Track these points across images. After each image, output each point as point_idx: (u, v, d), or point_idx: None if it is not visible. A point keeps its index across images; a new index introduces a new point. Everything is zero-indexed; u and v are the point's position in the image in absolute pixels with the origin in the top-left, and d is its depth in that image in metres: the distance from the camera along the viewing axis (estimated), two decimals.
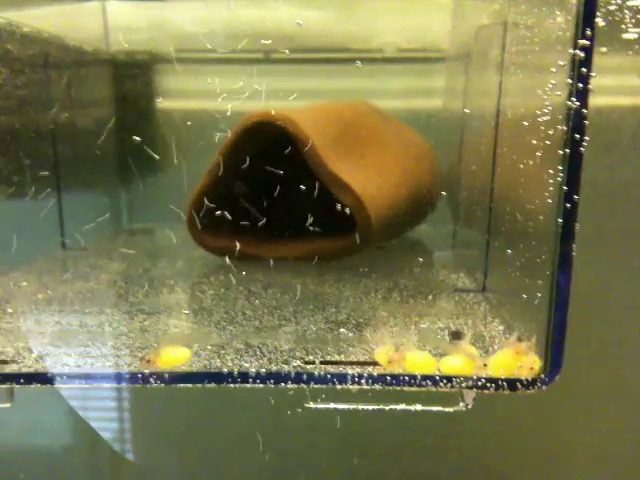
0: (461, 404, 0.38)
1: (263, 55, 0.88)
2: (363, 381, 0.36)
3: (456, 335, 0.43)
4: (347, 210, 0.61)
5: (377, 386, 0.36)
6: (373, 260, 0.64)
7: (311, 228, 0.63)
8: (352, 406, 0.39)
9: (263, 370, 0.37)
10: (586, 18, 0.33)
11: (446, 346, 0.38)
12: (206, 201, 0.66)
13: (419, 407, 0.38)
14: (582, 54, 0.33)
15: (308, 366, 0.39)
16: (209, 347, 0.42)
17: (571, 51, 0.33)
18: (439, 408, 0.38)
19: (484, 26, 0.62)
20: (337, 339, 0.44)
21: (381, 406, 0.38)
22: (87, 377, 0.37)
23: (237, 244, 0.66)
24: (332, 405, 0.39)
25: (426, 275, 0.63)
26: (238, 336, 0.44)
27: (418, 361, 0.37)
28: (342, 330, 0.45)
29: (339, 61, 0.90)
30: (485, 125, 0.59)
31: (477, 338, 0.43)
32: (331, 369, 0.38)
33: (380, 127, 0.73)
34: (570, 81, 0.33)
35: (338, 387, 0.37)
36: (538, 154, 0.41)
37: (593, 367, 0.49)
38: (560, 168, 0.36)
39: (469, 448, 0.43)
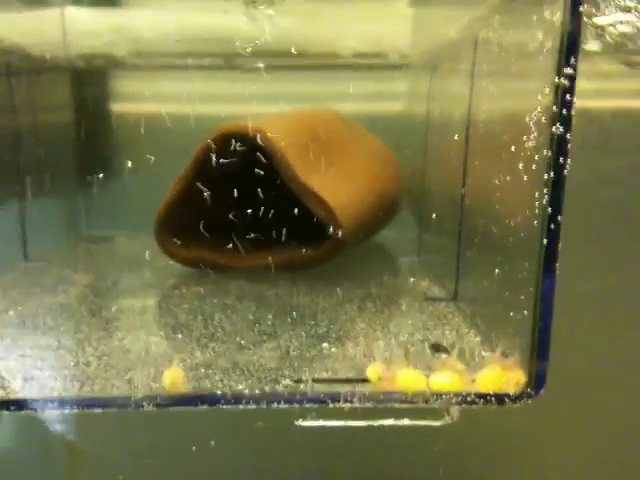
0: (447, 417, 0.39)
1: (224, 61, 0.88)
2: (356, 399, 0.37)
3: (437, 348, 0.44)
4: (318, 221, 0.62)
5: (369, 404, 0.37)
6: (342, 267, 0.65)
7: (282, 238, 0.64)
8: (341, 423, 0.39)
9: (257, 391, 0.37)
10: (570, 47, 0.34)
11: (434, 362, 0.39)
12: (174, 212, 0.66)
13: (407, 422, 0.39)
14: (566, 82, 0.34)
15: (300, 385, 0.39)
16: (195, 367, 0.42)
17: (556, 80, 0.34)
18: (427, 422, 0.39)
19: (453, 39, 0.63)
20: (321, 355, 0.44)
21: (370, 422, 0.39)
22: (78, 403, 0.36)
23: (206, 255, 0.67)
24: (321, 422, 0.39)
25: (395, 283, 0.64)
26: (222, 354, 0.44)
27: (409, 379, 0.37)
28: (324, 345, 0.46)
29: (300, 67, 0.91)
30: (453, 132, 0.60)
31: (456, 351, 0.44)
32: (323, 388, 0.39)
33: (346, 134, 0.74)
34: (555, 109, 0.34)
35: (330, 405, 0.37)
36: (517, 163, 0.42)
37: (578, 380, 0.50)
38: (544, 189, 0.37)
39: (456, 459, 0.44)
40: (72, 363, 0.42)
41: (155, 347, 0.45)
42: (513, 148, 0.43)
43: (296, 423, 0.39)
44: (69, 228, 0.83)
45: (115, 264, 0.70)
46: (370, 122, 0.77)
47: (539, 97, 0.38)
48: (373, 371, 0.39)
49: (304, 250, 0.65)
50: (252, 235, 0.63)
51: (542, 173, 0.37)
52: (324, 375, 0.41)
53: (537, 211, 0.38)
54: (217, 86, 0.90)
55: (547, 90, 0.36)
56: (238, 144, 0.62)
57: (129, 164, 0.88)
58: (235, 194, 0.60)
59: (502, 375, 0.37)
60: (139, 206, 0.85)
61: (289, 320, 0.52)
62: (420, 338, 0.47)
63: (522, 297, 0.39)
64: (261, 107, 0.87)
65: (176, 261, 0.66)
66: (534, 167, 0.39)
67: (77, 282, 0.63)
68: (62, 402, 0.36)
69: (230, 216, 0.62)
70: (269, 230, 0.62)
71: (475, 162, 0.54)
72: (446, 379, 0.37)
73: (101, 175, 0.85)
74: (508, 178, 0.45)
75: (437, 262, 0.65)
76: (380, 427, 0.39)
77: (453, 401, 0.37)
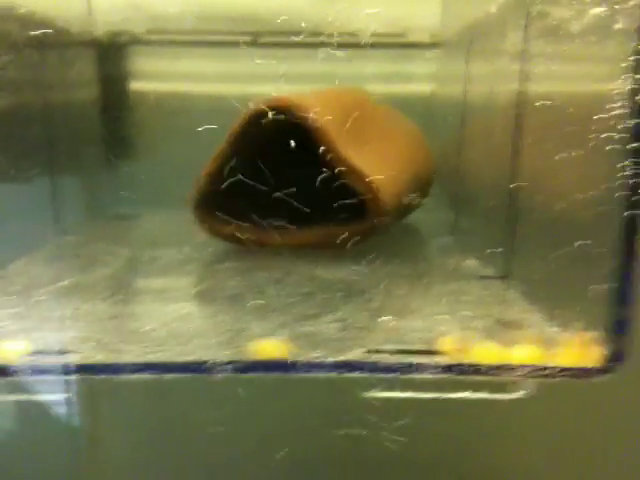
0: (521, 391, 0.39)
1: (251, 38, 0.87)
2: (437, 370, 0.36)
3: (506, 323, 0.43)
4: (358, 197, 0.61)
5: (449, 375, 0.36)
6: (378, 246, 0.64)
7: (320, 215, 0.63)
8: (414, 395, 0.39)
9: (341, 358, 0.36)
10: None
11: (511, 335, 0.39)
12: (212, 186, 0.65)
13: (484, 395, 0.38)
14: None
15: (372, 355, 0.38)
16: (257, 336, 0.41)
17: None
18: (504, 396, 0.38)
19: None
20: (384, 327, 0.43)
21: (446, 395, 0.38)
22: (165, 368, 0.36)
23: (245, 231, 0.66)
24: (392, 394, 0.38)
25: (437, 261, 0.63)
26: (283, 325, 0.43)
27: (488, 351, 0.37)
28: (384, 318, 0.45)
29: (324, 45, 0.89)
30: (498, 111, 0.59)
31: (526, 326, 0.43)
32: (394, 359, 0.38)
33: (377, 113, 0.73)
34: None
35: (407, 376, 0.37)
36: (588, 137, 0.42)
37: None
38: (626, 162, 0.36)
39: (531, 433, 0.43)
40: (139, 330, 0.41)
41: (213, 317, 0.44)
42: (583, 123, 0.43)
43: (364, 394, 0.38)
44: (95, 205, 0.82)
45: (149, 240, 0.69)
46: (399, 103, 0.76)
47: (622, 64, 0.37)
48: (446, 343, 0.39)
49: (344, 227, 0.65)
50: (290, 212, 0.62)
51: (625, 143, 0.37)
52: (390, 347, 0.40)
53: (617, 183, 0.38)
54: (240, 65, 0.89)
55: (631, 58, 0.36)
56: (278, 118, 0.61)
57: (149, 142, 0.87)
58: (272, 170, 0.60)
59: (580, 350, 0.37)
60: (162, 184, 0.84)
61: (341, 294, 0.51)
62: (484, 313, 0.46)
63: (602, 271, 0.38)
64: (289, 87, 0.87)
65: (214, 236, 0.66)
66: (616, 137, 0.38)
67: (120, 255, 0.62)
68: (149, 367, 0.35)
69: (268, 192, 0.62)
70: (307, 207, 0.62)
71: (529, 140, 0.53)
72: (528, 352, 0.36)
73: (119, 153, 0.85)
74: (574, 153, 0.44)
75: (475, 242, 0.64)
76: (447, 400, 0.39)
77: (534, 374, 0.36)
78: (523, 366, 0.36)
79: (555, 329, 0.42)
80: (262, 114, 0.62)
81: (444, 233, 0.74)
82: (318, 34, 0.88)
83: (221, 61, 0.90)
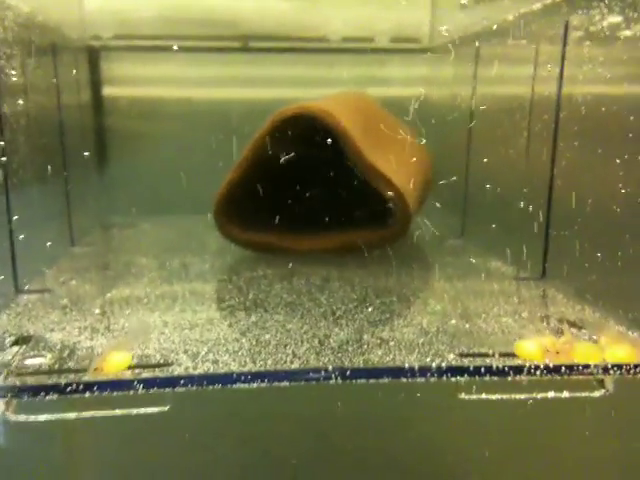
0: (603, 390, 0.40)
1: (240, 44, 0.87)
2: (538, 372, 0.37)
3: (571, 323, 0.45)
4: (387, 202, 0.62)
5: (550, 376, 0.37)
6: (395, 250, 0.65)
7: (343, 221, 0.64)
8: (505, 396, 0.40)
9: (444, 364, 0.37)
10: None
11: (604, 335, 0.40)
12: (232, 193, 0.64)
13: (567, 394, 0.39)
14: None
15: (465, 360, 0.39)
16: (344, 342, 0.42)
17: None
18: (586, 394, 0.40)
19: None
20: (457, 330, 0.44)
21: (533, 395, 0.39)
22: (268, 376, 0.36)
23: (266, 238, 0.66)
24: (484, 396, 0.39)
25: (464, 263, 0.65)
26: (361, 330, 0.44)
27: (588, 352, 0.38)
28: (453, 322, 0.46)
29: (318, 50, 0.90)
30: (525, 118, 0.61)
31: (591, 326, 0.45)
32: (481, 362, 0.39)
33: (387, 118, 0.74)
34: None
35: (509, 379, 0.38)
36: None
37: None
38: None
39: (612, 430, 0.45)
40: (224, 340, 0.41)
41: (289, 325, 0.44)
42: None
43: (459, 397, 0.39)
44: (91, 214, 0.80)
45: (162, 248, 0.68)
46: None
47: None
48: (534, 346, 0.40)
49: (370, 232, 0.65)
50: (312, 218, 0.63)
51: None
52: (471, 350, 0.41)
53: None
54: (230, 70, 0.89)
55: None
56: (301, 126, 0.61)
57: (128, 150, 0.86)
58: (295, 177, 0.60)
59: None
60: (154, 192, 0.83)
61: (394, 299, 0.51)
62: (542, 314, 0.48)
63: None
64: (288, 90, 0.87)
65: (235, 243, 0.65)
66: None
67: (142, 264, 0.61)
68: (255, 376, 0.35)
69: (290, 199, 0.62)
70: (328, 213, 0.62)
71: (567, 142, 0.55)
72: (624, 352, 0.38)
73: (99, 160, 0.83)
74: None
75: (495, 243, 0.65)
76: (532, 400, 0.40)
77: (632, 372, 0.37)
78: (618, 365, 0.38)
79: (621, 328, 0.44)
80: (288, 121, 0.62)
81: (452, 236, 0.75)
82: (295, 39, 0.89)
83: (200, 65, 0.90)
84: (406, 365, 0.37)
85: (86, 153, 0.80)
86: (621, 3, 0.48)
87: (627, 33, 0.48)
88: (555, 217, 0.56)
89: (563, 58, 0.55)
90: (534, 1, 0.58)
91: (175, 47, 0.81)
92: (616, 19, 0.50)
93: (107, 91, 0.84)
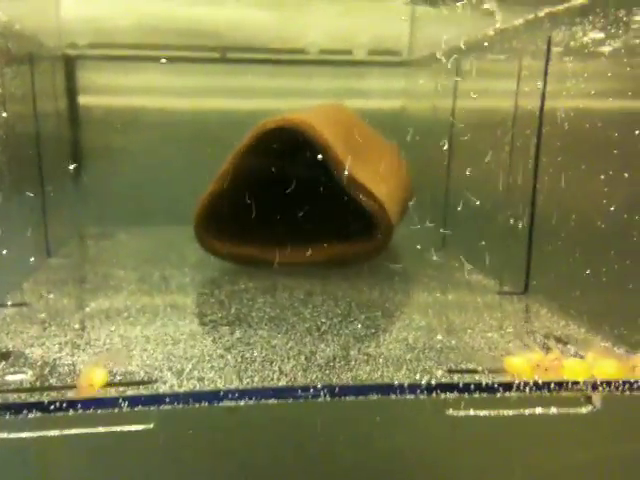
0: (590, 407, 0.40)
1: (219, 54, 0.86)
2: (528, 389, 0.37)
3: (557, 339, 0.45)
4: (369, 214, 0.61)
5: (539, 393, 0.37)
6: (374, 263, 0.64)
7: (325, 232, 0.64)
8: (492, 412, 0.39)
9: (433, 381, 0.37)
10: None
11: (592, 350, 0.40)
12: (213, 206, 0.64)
13: (554, 410, 0.39)
14: None
15: (454, 376, 0.39)
16: (330, 359, 0.41)
17: None
18: (574, 410, 0.40)
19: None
20: (444, 346, 0.44)
21: (521, 411, 0.39)
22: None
23: (247, 251, 0.65)
24: (472, 412, 0.39)
25: (446, 277, 0.64)
26: (347, 347, 0.43)
27: (577, 368, 0.38)
28: (439, 337, 0.46)
29: (297, 62, 0.90)
30: (506, 131, 0.61)
31: (578, 342, 0.45)
32: (470, 378, 0.39)
33: (366, 130, 0.74)
34: None
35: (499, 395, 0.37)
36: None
37: None
38: None
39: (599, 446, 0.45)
40: (208, 356, 0.40)
41: (274, 340, 0.44)
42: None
43: (447, 413, 0.39)
44: (67, 224, 0.79)
45: (141, 260, 0.67)
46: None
47: None
48: (522, 361, 0.40)
49: (351, 245, 0.65)
50: (294, 230, 0.62)
51: None
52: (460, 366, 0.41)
53: None
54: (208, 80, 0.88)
55: None
56: (284, 138, 0.61)
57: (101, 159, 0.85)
58: (277, 190, 0.60)
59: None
60: (131, 202, 0.82)
61: (378, 314, 0.51)
62: (528, 329, 0.48)
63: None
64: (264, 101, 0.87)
65: (216, 256, 0.65)
66: None
67: (120, 276, 0.60)
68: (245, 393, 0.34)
69: (272, 212, 0.61)
70: (310, 225, 0.62)
71: (550, 157, 0.55)
72: (612, 368, 0.38)
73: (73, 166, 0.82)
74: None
75: (477, 257, 0.65)
76: (520, 416, 0.40)
77: (619, 389, 0.37)
78: (607, 382, 0.38)
79: (607, 344, 0.44)
80: (270, 133, 0.62)
81: (433, 248, 0.75)
82: (274, 51, 0.88)
83: (178, 75, 0.89)
84: (395, 382, 0.36)
85: (63, 163, 0.79)
86: (603, 20, 0.48)
87: (609, 49, 0.49)
88: (538, 232, 0.56)
89: (546, 73, 0.55)
90: (517, 16, 0.58)
91: (163, 60, 0.80)
92: (598, 35, 0.50)
93: (83, 100, 0.83)
